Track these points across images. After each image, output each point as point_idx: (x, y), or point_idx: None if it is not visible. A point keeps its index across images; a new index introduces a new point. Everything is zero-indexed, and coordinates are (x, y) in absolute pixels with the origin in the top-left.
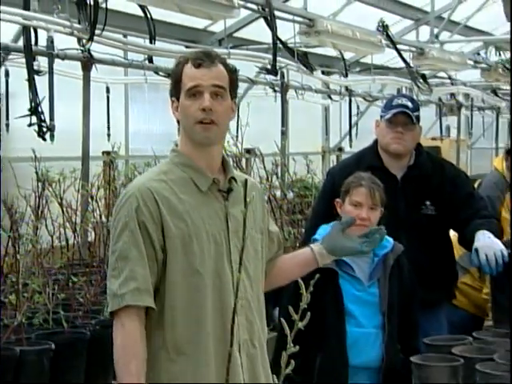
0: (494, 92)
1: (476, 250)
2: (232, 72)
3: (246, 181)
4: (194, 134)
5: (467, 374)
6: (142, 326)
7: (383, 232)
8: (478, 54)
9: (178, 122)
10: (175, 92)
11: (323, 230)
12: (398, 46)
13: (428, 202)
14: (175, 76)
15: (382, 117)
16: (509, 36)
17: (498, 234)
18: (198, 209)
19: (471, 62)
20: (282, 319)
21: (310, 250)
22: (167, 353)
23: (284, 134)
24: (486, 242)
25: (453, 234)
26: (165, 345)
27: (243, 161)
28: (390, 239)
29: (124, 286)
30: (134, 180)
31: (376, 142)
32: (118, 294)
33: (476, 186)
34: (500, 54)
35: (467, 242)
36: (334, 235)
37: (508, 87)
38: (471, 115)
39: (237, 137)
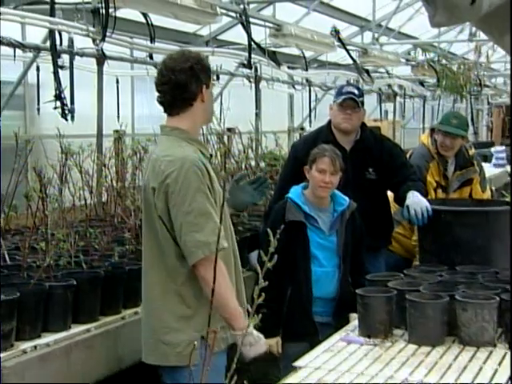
0: (421, 84)
1: (407, 207)
2: None
3: (225, 152)
4: (210, 117)
5: (399, 302)
6: None
7: (265, 180)
8: (409, 53)
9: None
10: (206, 79)
11: (294, 190)
12: (347, 47)
13: (370, 169)
14: (209, 71)
15: (334, 102)
16: (432, 40)
17: (424, 194)
18: (212, 171)
19: (404, 60)
20: (256, 263)
21: None
22: None
23: (257, 116)
24: (415, 200)
25: (390, 194)
26: None
27: (225, 137)
28: (347, 198)
29: (214, 235)
30: (173, 154)
31: (330, 121)
32: (211, 241)
33: (408, 156)
34: (425, 54)
35: (400, 200)
36: (232, 193)
37: (431, 80)
38: (404, 102)
39: (220, 118)
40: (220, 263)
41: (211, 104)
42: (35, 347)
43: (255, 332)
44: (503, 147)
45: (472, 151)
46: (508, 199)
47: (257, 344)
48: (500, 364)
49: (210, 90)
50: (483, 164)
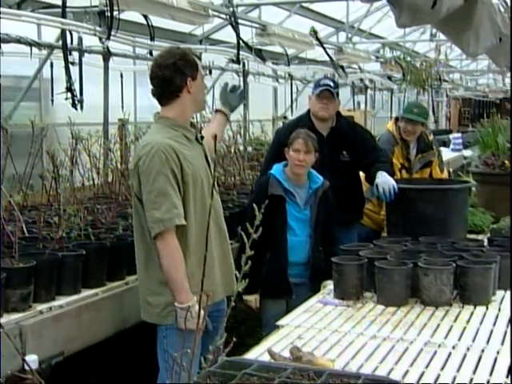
0: (389, 78)
1: (376, 185)
2: None
3: (216, 137)
4: (201, 105)
5: (369, 269)
6: None
7: (240, 89)
8: (378, 52)
9: (180, 90)
10: (191, 72)
11: (276, 167)
12: (324, 46)
13: (345, 152)
14: (195, 65)
15: (312, 93)
16: (398, 40)
17: (391, 174)
18: (193, 154)
19: (374, 58)
20: (242, 232)
21: (217, 112)
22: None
23: (245, 106)
24: (383, 180)
25: (361, 174)
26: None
27: None
28: (321, 178)
29: (169, 213)
30: (148, 139)
31: (309, 110)
32: (165, 218)
33: (377, 141)
34: (393, 52)
35: (371, 179)
36: (223, 96)
37: (398, 75)
38: (374, 94)
39: (212, 108)
40: (173, 241)
41: (200, 94)
42: (50, 308)
43: (196, 309)
44: (460, 134)
45: (431, 137)
46: (464, 179)
47: (193, 320)
48: (455, 321)
49: (198, 82)
50: (442, 149)
